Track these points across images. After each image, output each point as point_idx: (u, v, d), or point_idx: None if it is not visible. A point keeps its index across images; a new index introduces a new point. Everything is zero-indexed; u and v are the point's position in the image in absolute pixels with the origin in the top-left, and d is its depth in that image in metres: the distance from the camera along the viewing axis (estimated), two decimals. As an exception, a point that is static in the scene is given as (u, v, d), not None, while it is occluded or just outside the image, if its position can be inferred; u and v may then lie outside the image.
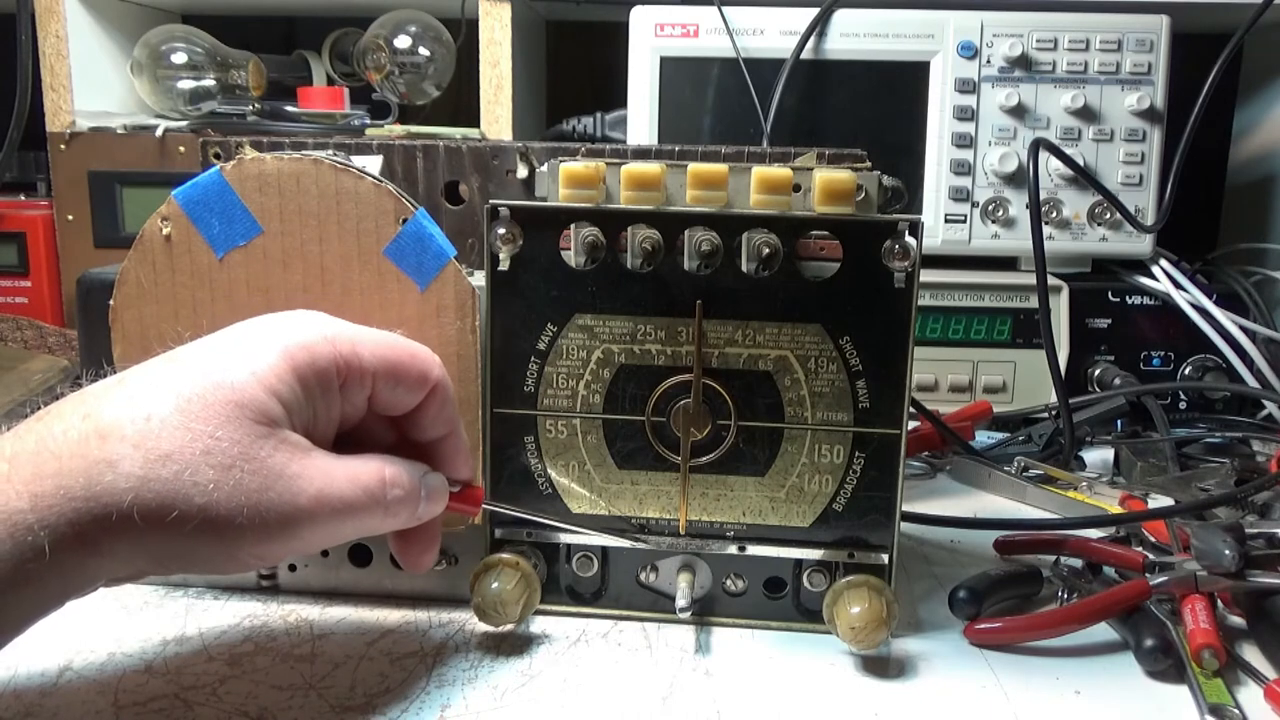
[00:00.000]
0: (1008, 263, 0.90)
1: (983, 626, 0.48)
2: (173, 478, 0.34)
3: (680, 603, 0.47)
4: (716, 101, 0.90)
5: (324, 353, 0.39)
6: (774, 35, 0.88)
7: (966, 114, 0.87)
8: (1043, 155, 0.81)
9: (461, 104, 1.11)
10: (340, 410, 0.41)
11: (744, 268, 0.47)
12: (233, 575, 0.51)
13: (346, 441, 0.42)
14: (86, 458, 0.34)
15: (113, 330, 0.49)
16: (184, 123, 0.96)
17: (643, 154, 0.56)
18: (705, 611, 0.50)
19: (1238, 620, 0.49)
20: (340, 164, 0.47)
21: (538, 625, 0.49)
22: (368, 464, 0.40)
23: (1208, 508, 0.61)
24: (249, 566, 0.38)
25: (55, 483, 0.34)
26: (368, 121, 0.98)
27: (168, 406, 0.35)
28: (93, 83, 0.98)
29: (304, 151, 0.48)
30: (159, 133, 0.92)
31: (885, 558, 0.48)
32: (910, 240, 0.46)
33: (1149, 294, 0.86)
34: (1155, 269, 0.87)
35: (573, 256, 0.47)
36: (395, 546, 0.44)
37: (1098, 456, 0.76)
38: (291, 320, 0.40)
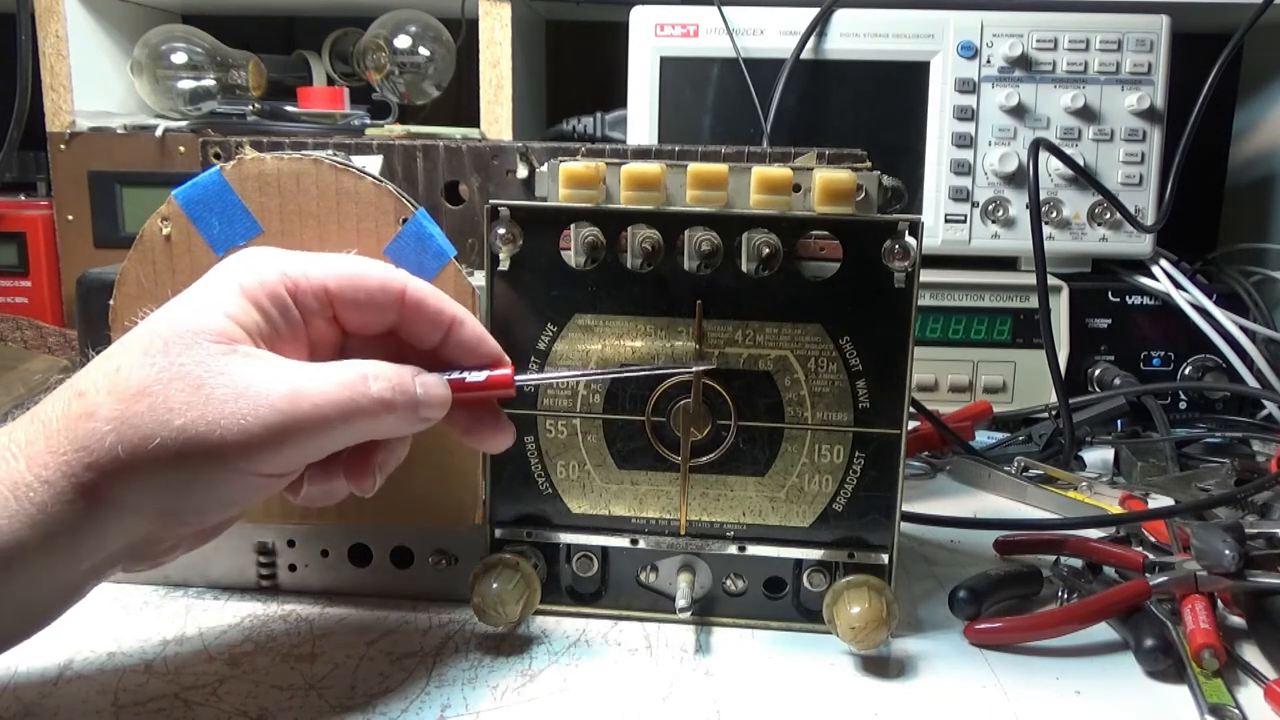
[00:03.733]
0: (1008, 263, 0.90)
1: (983, 626, 0.48)
2: (148, 410, 0.36)
3: (680, 603, 0.47)
4: (716, 101, 0.90)
5: (272, 275, 0.40)
6: (774, 35, 0.88)
7: (966, 114, 0.87)
8: (1043, 155, 0.81)
9: (461, 104, 1.12)
10: (306, 333, 0.41)
11: (744, 268, 0.47)
12: (244, 571, 0.51)
13: None
14: (69, 416, 0.36)
15: (113, 330, 0.49)
16: (184, 123, 0.96)
17: (643, 154, 0.56)
18: (705, 611, 0.50)
19: (1238, 620, 0.49)
20: (340, 164, 0.47)
21: (538, 625, 0.49)
22: (346, 364, 0.40)
23: (1208, 508, 0.61)
24: (258, 485, 0.38)
25: (45, 443, 0.36)
26: (368, 121, 0.98)
27: (133, 352, 0.37)
28: (93, 83, 0.98)
29: (304, 151, 0.48)
30: (159, 133, 0.92)
31: (885, 558, 0.48)
32: (910, 240, 0.46)
33: (1149, 294, 0.86)
34: (1155, 269, 0.87)
35: (573, 256, 0.47)
36: (467, 441, 0.45)
37: (1098, 456, 0.76)
38: (242, 256, 0.41)
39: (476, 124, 0.94)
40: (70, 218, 0.94)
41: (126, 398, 0.36)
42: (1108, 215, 0.87)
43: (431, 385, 0.41)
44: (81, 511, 0.35)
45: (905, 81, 0.87)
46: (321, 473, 0.41)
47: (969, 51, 0.86)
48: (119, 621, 0.48)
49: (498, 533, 0.50)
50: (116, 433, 0.35)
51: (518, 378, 0.44)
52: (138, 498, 0.36)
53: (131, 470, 0.35)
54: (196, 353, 0.37)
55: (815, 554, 0.49)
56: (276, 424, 0.37)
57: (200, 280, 0.40)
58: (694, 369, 0.47)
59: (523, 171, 0.57)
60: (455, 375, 0.43)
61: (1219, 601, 0.49)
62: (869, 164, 0.52)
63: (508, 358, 0.45)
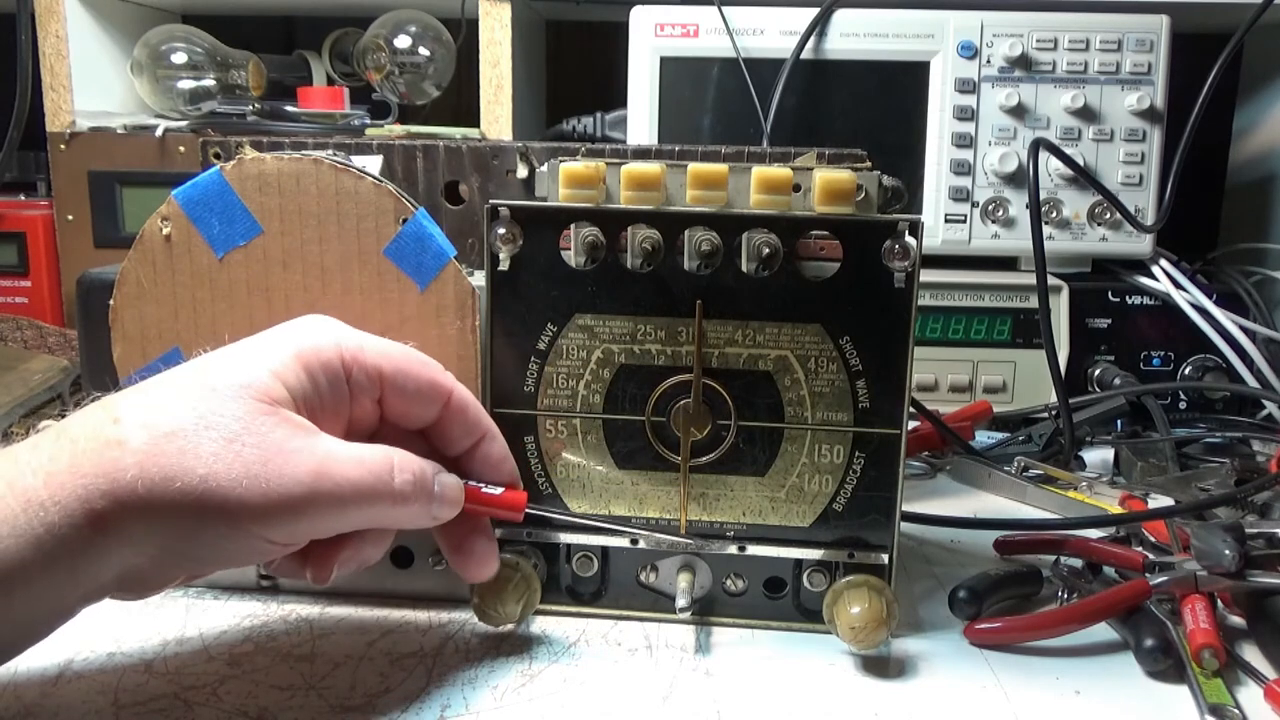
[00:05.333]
0: (1008, 263, 0.90)
1: (983, 626, 0.48)
2: (177, 452, 0.36)
3: (680, 603, 0.47)
4: (716, 101, 0.90)
5: (329, 345, 0.41)
6: (774, 35, 0.88)
7: (966, 114, 0.87)
8: (1043, 155, 0.81)
9: (461, 104, 1.12)
10: (350, 408, 0.42)
11: (744, 268, 0.47)
12: (244, 568, 0.51)
13: None
14: (99, 438, 0.36)
15: (113, 330, 0.49)
16: (184, 123, 0.96)
17: (643, 154, 0.56)
18: (705, 611, 0.50)
19: (1238, 620, 0.49)
20: (340, 164, 0.47)
21: (538, 625, 0.49)
22: (375, 449, 0.40)
23: (1208, 508, 0.61)
24: (261, 550, 0.38)
25: (69, 462, 0.35)
26: (368, 121, 0.98)
27: (177, 392, 0.38)
28: (93, 83, 0.98)
29: (304, 151, 0.48)
30: (159, 133, 0.92)
31: (885, 558, 0.48)
32: (910, 240, 0.46)
33: (1149, 294, 0.86)
34: (1155, 269, 0.87)
35: (573, 256, 0.47)
36: (451, 560, 0.45)
37: (1098, 456, 0.76)
38: (303, 323, 0.42)
39: (476, 124, 0.94)
40: (70, 218, 0.94)
41: (159, 435, 0.36)
42: (1108, 215, 0.87)
43: (449, 486, 0.42)
44: (87, 538, 0.35)
45: (905, 81, 0.87)
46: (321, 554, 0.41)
47: (969, 51, 0.86)
48: (119, 621, 0.48)
49: (498, 532, 0.50)
50: (140, 467, 0.35)
51: (529, 508, 0.45)
52: (144, 535, 0.36)
53: (146, 508, 0.35)
54: (237, 406, 0.37)
55: (815, 554, 0.48)
56: (297, 495, 0.37)
57: (259, 335, 0.41)
58: (699, 548, 0.48)
59: (523, 171, 0.57)
60: (472, 484, 0.44)
61: (1219, 601, 0.49)
62: (869, 164, 0.52)
63: (523, 485, 0.46)
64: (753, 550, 0.49)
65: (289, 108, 0.99)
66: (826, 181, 0.46)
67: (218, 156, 0.55)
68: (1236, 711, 0.42)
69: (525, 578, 0.48)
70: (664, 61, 0.88)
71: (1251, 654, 0.47)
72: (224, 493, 0.36)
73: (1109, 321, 0.87)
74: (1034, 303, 0.85)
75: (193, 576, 0.41)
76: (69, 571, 0.35)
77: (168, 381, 0.39)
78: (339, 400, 0.41)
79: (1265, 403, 0.84)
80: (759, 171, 0.46)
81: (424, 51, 1.01)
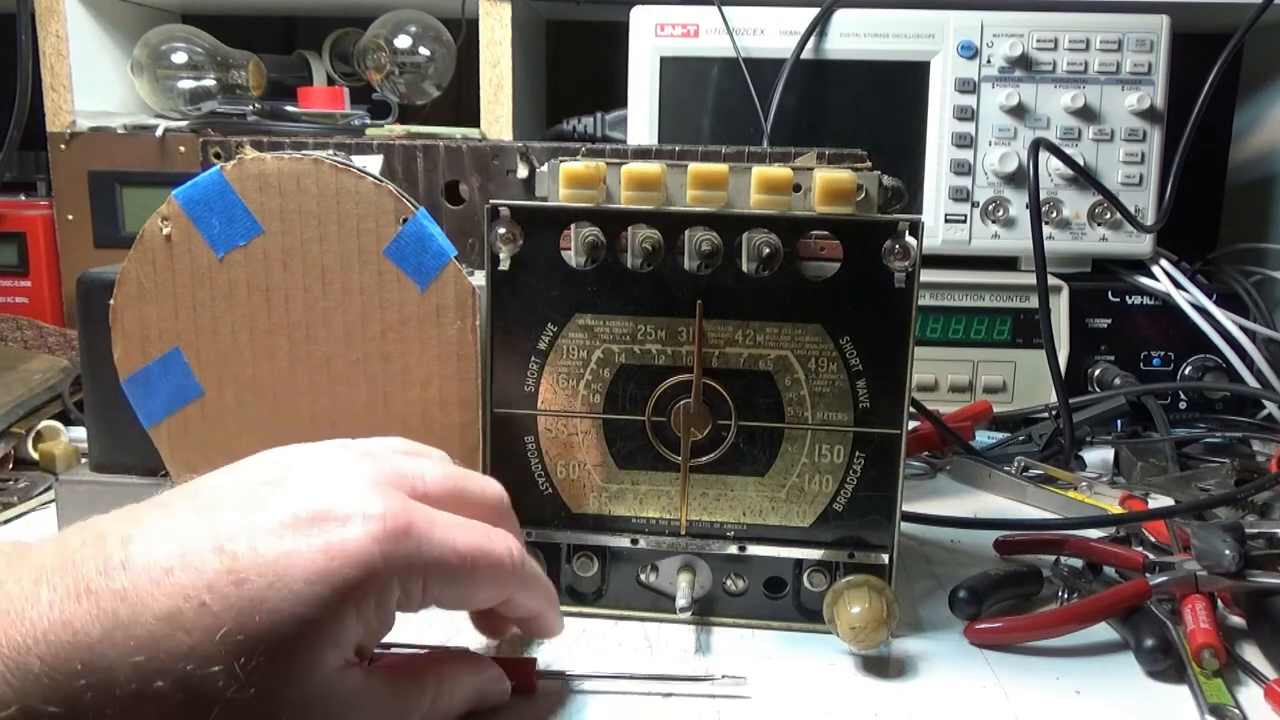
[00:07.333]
0: (1008, 263, 0.90)
1: (983, 626, 0.48)
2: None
3: (680, 603, 0.47)
4: (716, 101, 0.90)
5: (388, 591, 0.34)
6: (774, 35, 0.88)
7: (966, 114, 0.87)
8: (1043, 155, 0.81)
9: (461, 104, 1.12)
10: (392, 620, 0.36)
11: (744, 268, 0.47)
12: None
13: None
14: (85, 622, 0.30)
15: (113, 330, 0.49)
16: (184, 123, 0.96)
17: (643, 154, 0.56)
18: (705, 611, 0.50)
19: (1238, 620, 0.49)
20: (340, 164, 0.47)
21: (538, 625, 0.49)
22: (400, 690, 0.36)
23: (1208, 508, 0.61)
24: None
25: (61, 617, 0.30)
26: (368, 121, 0.97)
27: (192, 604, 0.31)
28: (93, 83, 0.98)
29: (304, 151, 0.49)
30: (159, 133, 0.92)
31: (885, 558, 0.48)
32: (910, 240, 0.46)
33: (1149, 294, 0.86)
34: (1155, 269, 0.87)
35: (573, 256, 0.47)
36: (473, 620, 0.45)
37: (1098, 456, 0.76)
38: (397, 529, 0.34)
39: (476, 124, 0.94)
40: (70, 218, 0.94)
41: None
42: (1108, 215, 0.87)
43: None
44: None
45: (905, 81, 0.87)
46: None
47: (969, 51, 0.86)
48: (119, 621, 0.48)
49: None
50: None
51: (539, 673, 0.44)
52: None
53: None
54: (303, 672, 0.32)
55: (815, 554, 0.49)
56: None
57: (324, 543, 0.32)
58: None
59: (523, 171, 0.57)
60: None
61: (1219, 601, 0.49)
62: (869, 164, 0.53)
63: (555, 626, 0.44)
64: (753, 550, 0.49)
65: (289, 108, 0.99)
66: (826, 181, 0.46)
67: (218, 156, 0.55)
68: (1236, 711, 0.42)
69: (525, 578, 0.48)
70: (664, 61, 0.88)
71: (1251, 654, 0.47)
72: None
73: (1109, 321, 0.87)
74: (1034, 303, 0.85)
75: None
76: None
77: (193, 555, 0.31)
78: (380, 628, 0.35)
79: (1265, 403, 0.84)
80: (759, 171, 0.46)
81: (424, 51, 1.01)
